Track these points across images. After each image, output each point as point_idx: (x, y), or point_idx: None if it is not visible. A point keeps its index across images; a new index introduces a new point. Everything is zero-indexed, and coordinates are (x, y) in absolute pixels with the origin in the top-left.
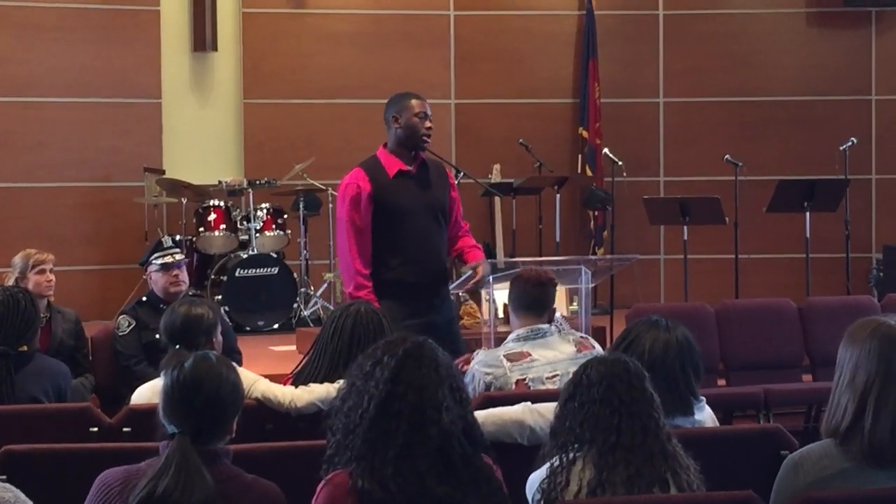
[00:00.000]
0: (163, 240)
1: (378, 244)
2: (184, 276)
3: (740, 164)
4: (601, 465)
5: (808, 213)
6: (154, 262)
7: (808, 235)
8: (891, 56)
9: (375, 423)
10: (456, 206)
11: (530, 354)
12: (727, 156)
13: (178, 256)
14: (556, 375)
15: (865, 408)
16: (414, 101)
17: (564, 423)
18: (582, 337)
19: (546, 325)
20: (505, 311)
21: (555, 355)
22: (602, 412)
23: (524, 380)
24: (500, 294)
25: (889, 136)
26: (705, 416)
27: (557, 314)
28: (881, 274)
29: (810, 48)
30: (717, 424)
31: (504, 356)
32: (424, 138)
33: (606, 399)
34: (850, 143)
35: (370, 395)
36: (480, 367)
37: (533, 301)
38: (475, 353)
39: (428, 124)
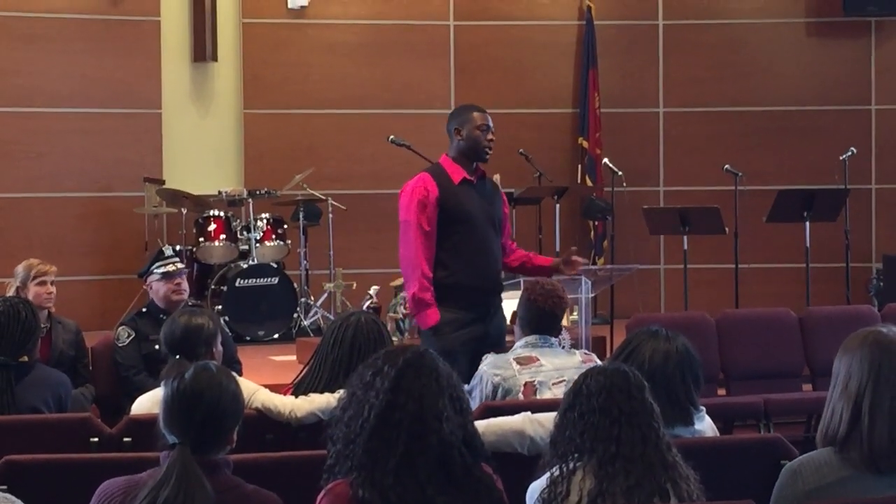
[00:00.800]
0: (163, 249)
1: (441, 248)
2: (185, 284)
3: (740, 173)
4: (601, 475)
5: (807, 223)
6: (155, 271)
7: (808, 245)
8: (890, 65)
9: (376, 432)
10: (507, 222)
11: (539, 359)
12: (727, 165)
13: (179, 265)
14: (563, 381)
15: (861, 415)
16: (476, 114)
17: (564, 432)
18: (585, 353)
19: (554, 338)
20: (511, 320)
21: (562, 362)
22: (602, 422)
23: (533, 382)
24: (505, 304)
25: (889, 146)
26: (705, 425)
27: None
28: (881, 283)
29: (810, 58)
30: (717, 434)
31: (513, 359)
32: (486, 150)
33: (606, 409)
34: (849, 153)
35: (370, 405)
36: (489, 368)
37: (542, 326)
38: (484, 358)
39: (490, 136)
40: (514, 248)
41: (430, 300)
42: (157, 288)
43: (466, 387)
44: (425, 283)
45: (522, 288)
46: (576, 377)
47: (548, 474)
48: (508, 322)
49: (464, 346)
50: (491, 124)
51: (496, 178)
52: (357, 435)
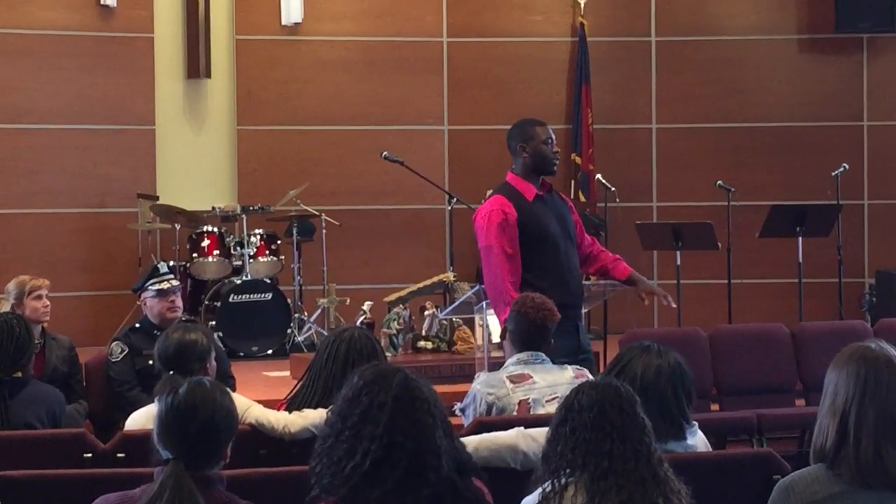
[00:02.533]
0: (158, 266)
1: (527, 268)
2: (179, 302)
3: (733, 189)
4: (593, 490)
5: (800, 239)
6: (150, 287)
7: (800, 261)
8: (882, 81)
9: (369, 475)
10: (578, 226)
11: (531, 377)
12: (719, 181)
13: (173, 282)
14: (556, 397)
15: (847, 429)
16: (539, 129)
17: (556, 447)
18: (577, 368)
19: (544, 354)
20: (502, 335)
21: (554, 379)
22: (594, 438)
23: (527, 400)
24: (494, 319)
25: (881, 162)
26: (697, 440)
27: None
28: (874, 299)
29: (802, 74)
30: (710, 449)
31: (506, 377)
32: (554, 163)
33: (598, 425)
34: (842, 169)
35: (365, 451)
36: (483, 387)
37: (533, 339)
38: (476, 376)
39: (555, 149)
40: (596, 244)
41: None
42: (151, 305)
43: (459, 404)
44: None
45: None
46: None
47: (540, 489)
48: (498, 337)
49: (565, 360)
50: (553, 136)
51: (489, 193)
52: (348, 477)
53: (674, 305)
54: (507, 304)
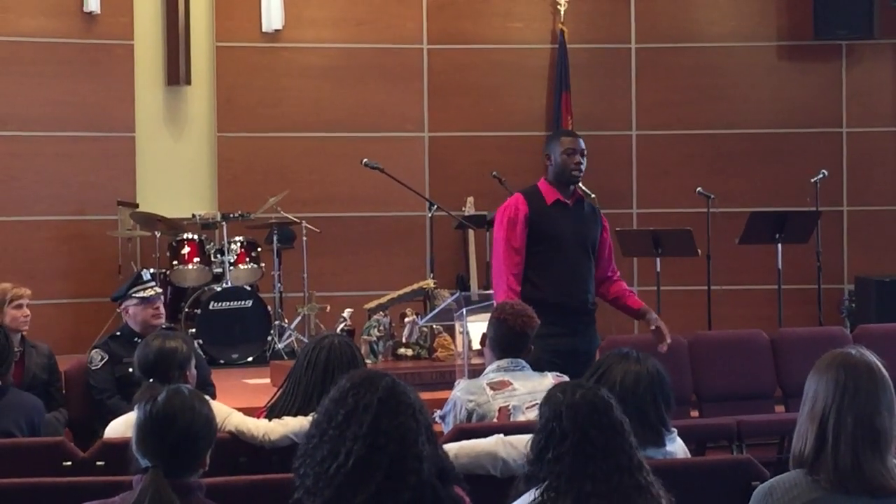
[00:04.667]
0: (141, 273)
1: (529, 265)
2: (162, 309)
3: (712, 196)
4: None
5: (779, 245)
6: (134, 295)
7: (780, 267)
8: (861, 88)
9: (352, 475)
10: (607, 248)
11: (511, 383)
12: (699, 188)
13: (157, 289)
14: (536, 404)
15: (826, 435)
16: (564, 139)
17: (538, 468)
18: (556, 375)
19: (524, 361)
20: (482, 342)
21: (534, 385)
22: (576, 463)
23: (507, 406)
24: (475, 326)
25: (860, 168)
26: (676, 447)
27: None
28: (853, 305)
29: (781, 81)
30: (689, 456)
31: (486, 384)
32: (574, 173)
33: (580, 449)
34: (821, 175)
35: (348, 451)
36: (463, 394)
37: (512, 346)
38: (456, 383)
39: (577, 160)
40: (614, 279)
41: None
42: (134, 312)
43: (440, 412)
44: (511, 294)
45: (493, 308)
46: None
47: (532, 493)
48: (478, 344)
49: (551, 356)
50: (580, 147)
51: (469, 200)
52: (332, 477)
53: (663, 350)
54: (504, 292)
